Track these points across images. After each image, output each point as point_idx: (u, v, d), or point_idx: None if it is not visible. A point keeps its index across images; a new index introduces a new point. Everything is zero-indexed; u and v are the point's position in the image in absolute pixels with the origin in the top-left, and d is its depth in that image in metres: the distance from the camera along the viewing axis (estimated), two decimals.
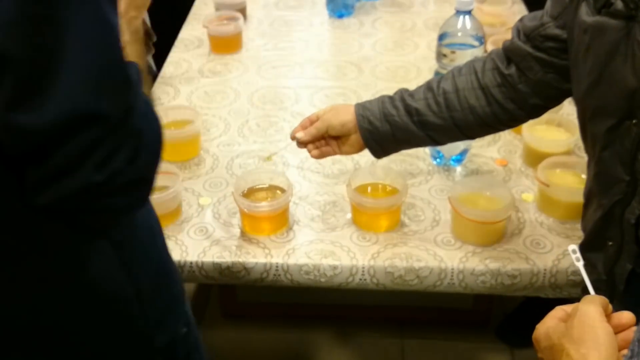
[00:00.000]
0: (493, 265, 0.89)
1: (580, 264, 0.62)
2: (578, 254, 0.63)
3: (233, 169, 1.11)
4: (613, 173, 0.70)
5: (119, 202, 0.55)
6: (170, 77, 1.38)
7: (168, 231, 0.97)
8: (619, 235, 0.71)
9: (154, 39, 1.23)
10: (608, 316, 0.53)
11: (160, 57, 1.47)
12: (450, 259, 0.90)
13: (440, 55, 1.01)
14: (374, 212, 0.95)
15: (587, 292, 0.59)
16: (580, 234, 0.94)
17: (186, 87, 1.34)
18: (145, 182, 0.57)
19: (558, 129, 1.09)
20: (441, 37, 1.01)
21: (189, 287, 1.69)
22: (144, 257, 0.67)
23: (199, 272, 0.92)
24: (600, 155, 0.72)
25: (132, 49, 0.67)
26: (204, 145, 1.17)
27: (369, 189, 0.99)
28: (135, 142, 0.53)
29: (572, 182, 0.96)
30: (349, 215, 0.99)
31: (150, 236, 0.69)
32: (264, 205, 0.95)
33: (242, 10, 1.54)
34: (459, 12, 0.98)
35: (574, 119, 1.17)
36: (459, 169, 1.09)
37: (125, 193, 0.55)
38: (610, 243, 0.73)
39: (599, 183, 0.74)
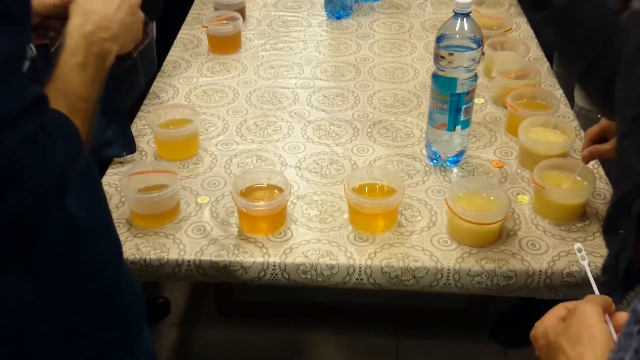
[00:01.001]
0: (489, 266, 0.90)
1: (585, 263, 0.63)
2: (583, 253, 0.64)
3: (231, 168, 1.12)
4: (628, 163, 0.70)
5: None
6: (169, 76, 1.38)
7: (166, 230, 0.97)
8: (626, 224, 0.72)
9: (149, 24, 1.22)
10: (611, 316, 0.53)
11: (160, 55, 1.47)
12: (447, 260, 0.91)
13: (438, 57, 1.02)
14: (372, 213, 0.96)
15: (586, 293, 0.59)
16: (575, 236, 0.95)
17: (185, 86, 1.35)
18: (26, 224, 0.50)
19: (554, 132, 1.10)
20: (439, 39, 1.02)
21: (185, 286, 1.70)
22: (75, 293, 0.61)
23: (196, 271, 0.93)
24: (621, 143, 0.72)
25: (82, 73, 0.59)
26: (203, 144, 1.17)
27: (367, 189, 1.00)
28: (3, 178, 0.47)
29: (567, 184, 0.97)
30: (346, 215, 1.00)
31: (91, 270, 0.63)
32: (261, 205, 0.95)
33: (241, 11, 1.54)
34: (457, 15, 0.99)
35: (570, 122, 1.19)
36: (455, 170, 1.10)
37: (3, 235, 0.48)
38: (621, 231, 0.73)
39: (616, 170, 0.74)
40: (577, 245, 0.65)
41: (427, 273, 0.90)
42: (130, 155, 1.12)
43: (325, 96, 1.32)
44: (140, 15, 0.72)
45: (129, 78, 1.41)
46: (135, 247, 0.94)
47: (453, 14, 1.00)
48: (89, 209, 0.66)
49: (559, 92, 1.28)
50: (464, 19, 1.00)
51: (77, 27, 0.62)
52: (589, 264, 0.63)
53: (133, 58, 1.22)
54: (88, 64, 0.61)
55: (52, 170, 0.52)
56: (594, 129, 0.97)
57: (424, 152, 1.14)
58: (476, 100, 1.25)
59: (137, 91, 1.41)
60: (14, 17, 0.49)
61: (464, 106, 1.04)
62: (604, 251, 0.91)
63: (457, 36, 1.00)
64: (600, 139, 0.96)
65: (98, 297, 0.66)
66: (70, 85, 0.59)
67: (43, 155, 0.51)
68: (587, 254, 0.82)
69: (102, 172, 1.11)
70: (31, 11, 0.53)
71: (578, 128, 1.17)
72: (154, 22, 1.60)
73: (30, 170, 0.49)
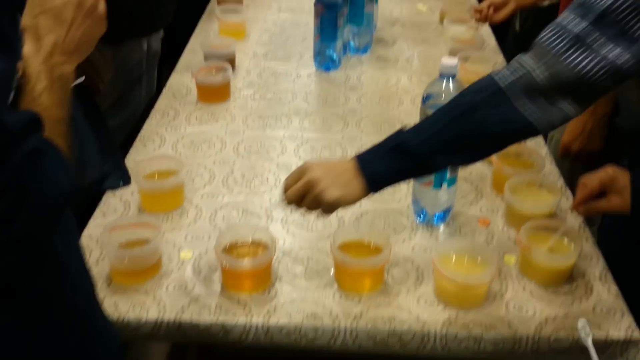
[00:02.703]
0: (476, 330, 0.88)
1: (589, 340, 0.61)
2: (587, 329, 0.62)
3: (216, 221, 1.10)
4: None
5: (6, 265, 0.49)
6: (157, 125, 1.38)
7: (147, 287, 0.95)
8: None
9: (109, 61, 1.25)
10: None
11: (161, 75, 1.49)
12: (434, 323, 0.89)
13: (424, 116, 1.03)
14: (358, 272, 0.95)
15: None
16: (561, 300, 0.94)
17: (172, 136, 1.34)
18: (33, 241, 0.51)
19: (540, 190, 1.10)
20: (425, 98, 1.03)
21: (166, 344, 1.64)
22: (53, 325, 0.60)
23: (176, 332, 0.90)
24: None
25: (49, 97, 0.61)
26: (188, 195, 1.16)
27: (353, 246, 0.99)
28: (11, 198, 0.48)
29: (554, 246, 0.97)
30: (332, 272, 0.98)
31: (69, 298, 0.62)
32: (245, 263, 0.93)
33: (231, 61, 1.56)
34: (443, 76, 1.01)
35: (556, 180, 1.20)
36: (442, 227, 1.10)
37: (5, 255, 0.49)
38: None
39: None
40: (582, 321, 0.63)
41: (413, 337, 0.88)
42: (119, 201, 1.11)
43: (312, 148, 1.32)
44: (101, 11, 0.70)
45: (132, 90, 1.53)
46: (114, 306, 0.91)
47: (439, 75, 1.01)
48: (65, 242, 0.64)
49: (544, 150, 1.30)
50: (450, 80, 1.01)
51: (33, 54, 0.62)
52: (592, 341, 0.61)
53: (100, 92, 1.24)
54: (53, 87, 0.62)
55: (53, 190, 0.53)
56: (593, 182, 0.92)
57: (411, 207, 1.13)
58: None
59: (138, 102, 1.51)
60: (6, 38, 0.51)
61: None
62: (591, 316, 0.90)
63: (443, 96, 1.01)
64: (600, 193, 0.92)
65: (75, 330, 0.64)
66: (45, 109, 0.60)
67: (45, 176, 0.52)
68: (583, 328, 0.81)
69: (93, 207, 1.12)
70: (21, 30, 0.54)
71: (564, 187, 1.18)
72: (160, 36, 1.70)
73: (35, 190, 0.50)
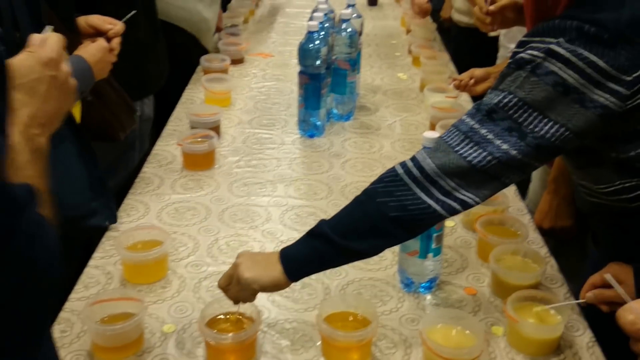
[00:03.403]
0: None
1: None
2: None
3: (200, 292, 1.08)
4: None
5: (5, 338, 0.49)
6: (141, 193, 1.37)
7: None
8: None
9: (136, 111, 1.42)
10: None
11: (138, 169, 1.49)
12: None
13: None
14: (345, 346, 0.93)
15: None
16: None
17: (156, 204, 1.33)
18: (37, 315, 0.51)
19: (524, 260, 1.11)
20: None
21: None
22: None
23: None
24: None
25: (32, 168, 0.63)
26: (172, 265, 1.14)
27: (340, 318, 0.97)
28: (21, 270, 0.49)
29: (542, 317, 0.96)
30: (318, 343, 0.96)
31: None
32: (229, 337, 0.91)
33: (216, 128, 1.58)
34: (426, 148, 1.03)
35: (539, 248, 1.21)
36: (429, 296, 1.09)
37: (12, 328, 0.48)
38: None
39: None
40: None
41: None
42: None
43: (298, 215, 1.32)
44: (71, 85, 0.72)
45: (126, 155, 1.61)
46: None
47: (422, 147, 1.03)
48: None
49: (527, 217, 1.32)
50: None
51: (9, 126, 0.64)
52: None
53: (121, 140, 1.36)
54: (33, 159, 0.63)
55: (54, 259, 0.53)
56: (596, 280, 0.93)
57: (397, 277, 1.13)
58: (446, 223, 1.27)
59: (132, 167, 1.59)
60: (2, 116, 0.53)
61: (434, 234, 1.05)
62: None
63: None
64: (604, 285, 0.92)
65: None
66: (29, 179, 0.61)
67: (49, 243, 0.53)
68: None
69: (89, 247, 1.15)
70: None
71: (548, 255, 1.19)
72: (152, 102, 1.75)
73: (39, 259, 0.50)
